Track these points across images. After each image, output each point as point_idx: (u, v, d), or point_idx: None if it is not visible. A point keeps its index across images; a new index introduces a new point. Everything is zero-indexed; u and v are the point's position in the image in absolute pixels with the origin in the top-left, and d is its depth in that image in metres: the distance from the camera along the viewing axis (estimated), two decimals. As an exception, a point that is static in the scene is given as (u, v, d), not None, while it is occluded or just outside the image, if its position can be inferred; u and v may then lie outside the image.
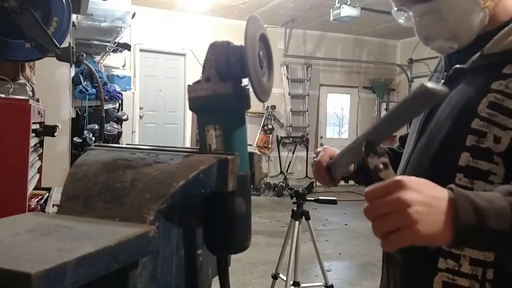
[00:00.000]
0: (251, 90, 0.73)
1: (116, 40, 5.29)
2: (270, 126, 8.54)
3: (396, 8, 0.95)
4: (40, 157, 2.27)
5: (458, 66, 0.90)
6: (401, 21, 0.96)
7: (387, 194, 0.61)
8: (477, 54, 0.86)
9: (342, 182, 1.16)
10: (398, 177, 0.62)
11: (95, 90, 4.98)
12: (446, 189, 0.65)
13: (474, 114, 0.83)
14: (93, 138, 4.87)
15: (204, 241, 0.69)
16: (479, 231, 0.62)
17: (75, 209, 0.62)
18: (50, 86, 3.68)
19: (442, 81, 0.94)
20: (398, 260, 0.92)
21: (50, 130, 2.12)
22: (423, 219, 0.60)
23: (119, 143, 4.82)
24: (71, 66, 3.88)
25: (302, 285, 2.99)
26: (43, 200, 2.08)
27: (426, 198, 0.61)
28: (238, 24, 7.79)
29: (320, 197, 3.04)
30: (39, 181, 2.28)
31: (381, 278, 1.07)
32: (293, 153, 8.93)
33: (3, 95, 1.73)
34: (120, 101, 6.12)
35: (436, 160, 0.90)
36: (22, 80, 2.21)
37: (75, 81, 4.89)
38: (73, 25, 3.94)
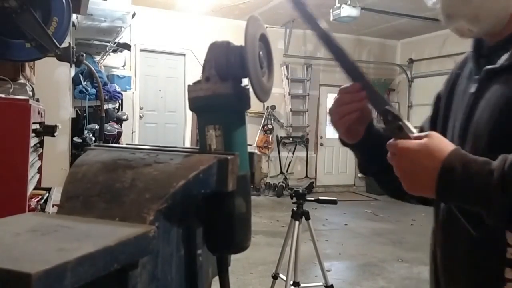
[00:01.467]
0: (251, 90, 0.73)
1: (116, 40, 5.28)
2: (270, 126, 8.53)
3: None
4: (40, 157, 2.27)
5: (489, 67, 0.88)
6: (429, 2, 0.96)
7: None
8: (508, 53, 0.85)
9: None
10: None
11: (95, 90, 4.97)
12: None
13: None
14: (93, 138, 4.86)
15: (204, 241, 0.69)
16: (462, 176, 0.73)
17: (75, 209, 0.61)
18: (50, 86, 3.67)
19: (476, 85, 0.91)
20: (462, 272, 0.90)
21: (50, 130, 2.12)
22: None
23: (119, 143, 4.82)
24: (71, 66, 3.87)
25: (302, 285, 2.99)
26: (43, 200, 2.08)
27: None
28: (238, 24, 7.77)
29: (320, 197, 3.04)
30: (39, 181, 2.28)
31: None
32: (293, 153, 8.93)
33: (3, 95, 1.73)
34: (120, 101, 6.12)
35: None
36: (22, 80, 2.21)
37: (75, 81, 4.89)
38: (73, 25, 3.94)
